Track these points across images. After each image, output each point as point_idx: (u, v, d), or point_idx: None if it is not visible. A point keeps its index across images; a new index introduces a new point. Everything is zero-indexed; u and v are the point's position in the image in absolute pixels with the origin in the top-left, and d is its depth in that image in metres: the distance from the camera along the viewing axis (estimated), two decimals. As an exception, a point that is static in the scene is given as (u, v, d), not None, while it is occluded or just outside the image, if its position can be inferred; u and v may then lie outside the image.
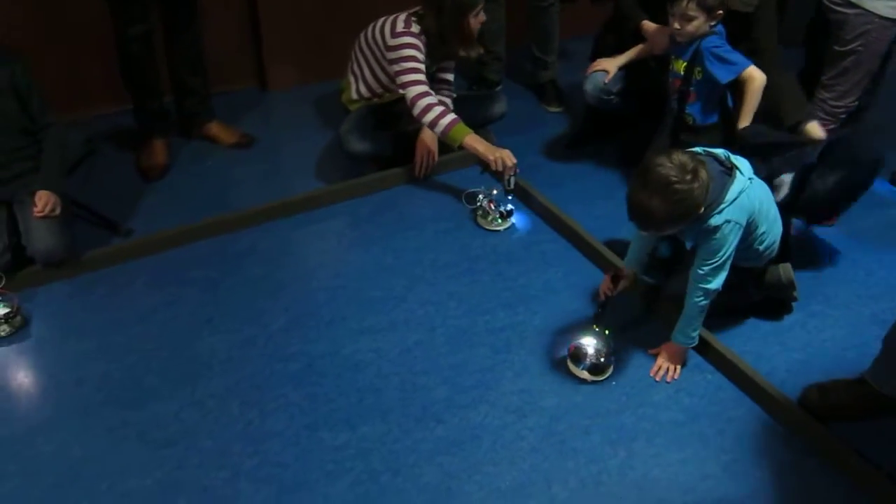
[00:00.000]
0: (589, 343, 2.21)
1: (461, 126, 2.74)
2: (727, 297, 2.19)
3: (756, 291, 2.37)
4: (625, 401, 2.17)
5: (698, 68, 2.58)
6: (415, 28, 2.76)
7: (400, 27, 2.76)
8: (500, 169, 2.75)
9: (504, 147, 2.80)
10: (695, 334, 2.21)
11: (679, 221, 1.97)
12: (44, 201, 2.38)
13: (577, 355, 2.22)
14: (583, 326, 2.28)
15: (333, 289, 2.55)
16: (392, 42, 2.76)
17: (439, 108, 2.73)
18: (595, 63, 2.93)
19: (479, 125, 3.16)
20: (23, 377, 2.23)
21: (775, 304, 2.46)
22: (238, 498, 1.90)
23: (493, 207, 2.83)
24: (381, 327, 2.39)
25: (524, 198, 2.93)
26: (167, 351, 2.29)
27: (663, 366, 2.23)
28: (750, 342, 2.35)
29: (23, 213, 2.43)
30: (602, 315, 2.26)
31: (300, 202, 2.88)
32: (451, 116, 2.74)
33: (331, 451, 2.01)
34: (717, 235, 2.03)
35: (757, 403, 2.17)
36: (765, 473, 1.99)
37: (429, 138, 2.91)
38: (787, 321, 2.45)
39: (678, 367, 2.23)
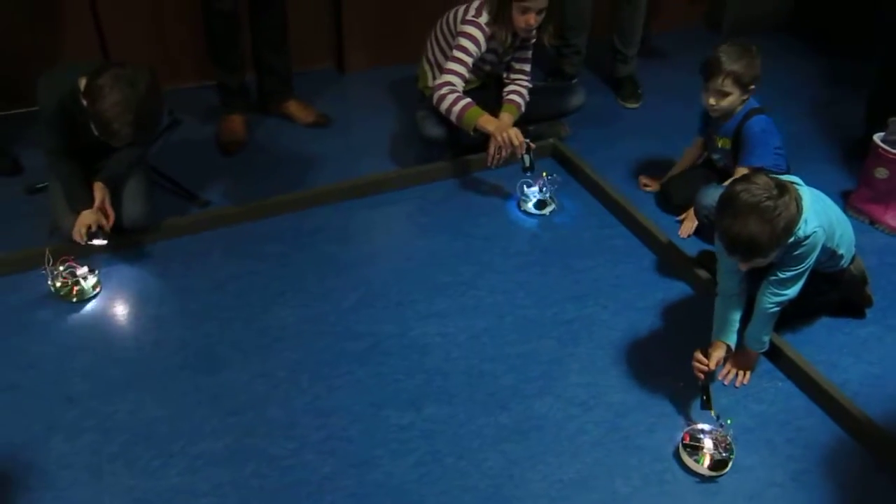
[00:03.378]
0: (704, 433, 1.98)
1: (475, 109, 2.72)
2: (802, 300, 2.14)
3: (832, 293, 2.31)
4: (692, 401, 2.15)
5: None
6: (484, 17, 2.75)
7: (470, 14, 2.76)
8: (507, 147, 2.72)
9: (580, 140, 2.77)
10: (766, 339, 2.17)
11: (783, 240, 1.90)
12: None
13: (695, 447, 1.96)
14: (690, 407, 2.13)
15: (403, 271, 2.57)
16: (459, 28, 2.76)
17: (454, 96, 2.73)
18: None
19: (554, 117, 3.16)
20: (103, 338, 2.30)
21: (850, 306, 2.40)
22: (304, 468, 1.94)
23: (533, 191, 2.85)
24: (449, 312, 2.40)
25: (596, 192, 2.91)
26: (240, 321, 2.34)
27: (733, 370, 2.20)
28: (824, 352, 2.30)
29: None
30: (708, 398, 2.04)
31: (373, 183, 2.91)
32: (466, 100, 2.73)
33: (396, 429, 2.04)
34: (806, 243, 1.99)
35: (828, 414, 2.12)
36: (833, 486, 1.95)
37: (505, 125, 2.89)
38: (863, 333, 2.39)
39: (748, 372, 2.20)
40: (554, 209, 2.85)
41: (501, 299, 2.46)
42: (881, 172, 2.76)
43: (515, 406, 2.11)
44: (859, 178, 2.88)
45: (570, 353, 2.28)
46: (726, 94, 2.55)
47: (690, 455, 1.93)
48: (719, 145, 2.73)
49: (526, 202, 2.86)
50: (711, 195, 2.28)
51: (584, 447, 2.01)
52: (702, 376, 2.05)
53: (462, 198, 2.92)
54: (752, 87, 2.56)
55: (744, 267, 2.02)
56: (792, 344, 2.27)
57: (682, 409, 2.12)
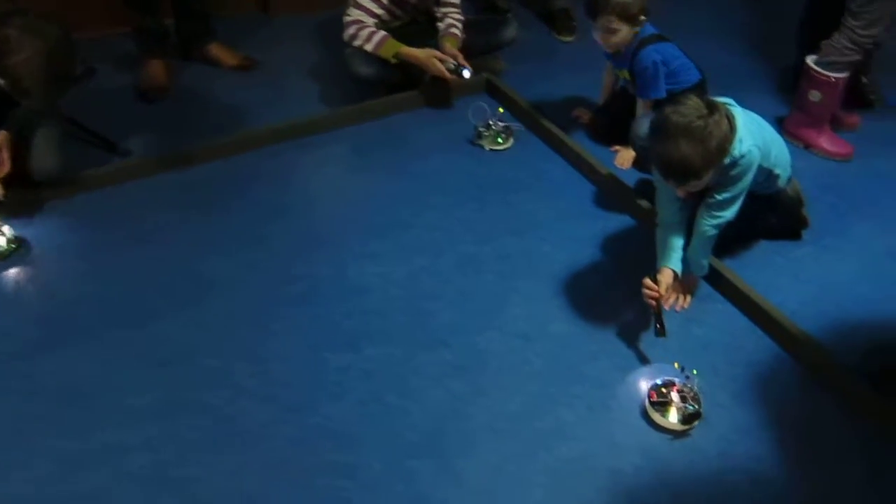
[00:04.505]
0: (670, 388, 1.90)
1: (392, 41, 2.72)
2: (742, 223, 2.13)
3: (770, 215, 2.31)
4: (634, 327, 2.13)
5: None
6: None
7: None
8: (442, 67, 2.72)
9: (515, 75, 2.71)
10: (706, 262, 2.16)
11: (716, 159, 1.88)
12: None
13: (662, 403, 1.88)
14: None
15: (338, 213, 2.50)
16: None
17: (366, 31, 2.71)
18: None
19: (487, 51, 3.08)
20: (22, 295, 2.19)
21: (787, 228, 2.42)
22: (241, 416, 1.87)
23: (494, 126, 2.78)
24: (386, 252, 2.34)
25: (532, 126, 2.85)
26: (169, 272, 2.25)
27: (674, 295, 2.18)
28: (762, 274, 2.30)
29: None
30: (661, 325, 1.99)
31: (304, 126, 2.81)
32: (381, 34, 2.72)
33: (335, 371, 1.98)
34: (742, 163, 1.97)
35: (767, 334, 2.13)
36: (774, 403, 1.96)
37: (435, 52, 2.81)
38: (800, 253, 2.41)
39: (689, 296, 2.18)
40: (511, 145, 2.78)
41: (440, 236, 2.40)
42: (815, 96, 2.75)
43: (456, 342, 2.07)
44: (793, 104, 2.87)
45: (511, 287, 2.24)
46: (615, 31, 2.48)
47: (658, 412, 1.87)
48: (620, 77, 2.70)
49: (484, 138, 2.79)
50: (645, 124, 2.24)
51: (527, 378, 1.99)
52: (653, 303, 2.01)
53: (397, 137, 2.84)
54: (642, 17, 2.48)
55: (681, 192, 1.99)
56: (731, 267, 2.27)
57: (625, 335, 2.11)
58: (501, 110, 2.81)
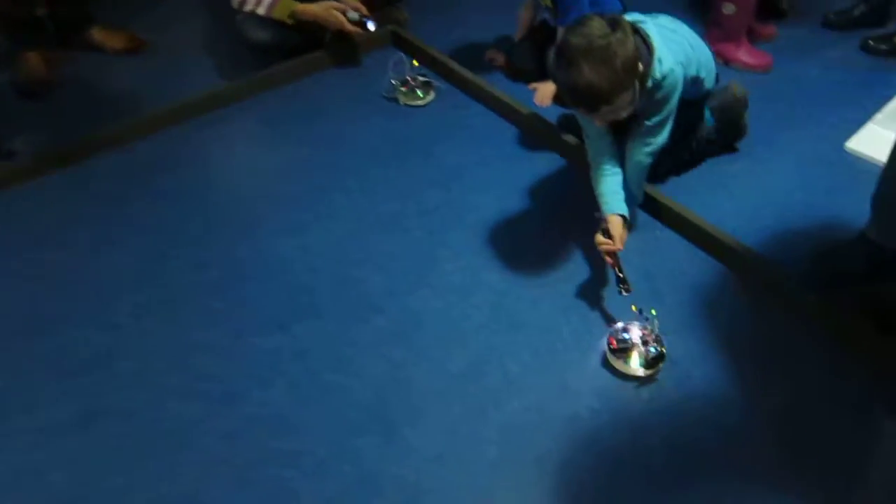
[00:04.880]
0: (630, 331, 1.80)
1: (286, 0, 2.56)
2: (677, 143, 2.06)
3: (705, 127, 2.22)
4: (573, 267, 2.04)
5: None
6: None
7: None
8: (344, 20, 2.58)
9: (420, 26, 2.56)
10: (641, 192, 2.07)
11: (626, 81, 1.75)
12: None
13: (623, 350, 1.77)
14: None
15: (248, 189, 2.34)
16: None
17: None
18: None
19: (388, 2, 2.94)
20: None
21: (724, 138, 2.35)
22: (167, 417, 1.73)
23: (413, 81, 2.64)
24: (304, 223, 2.19)
25: (448, 76, 2.72)
26: (70, 273, 2.07)
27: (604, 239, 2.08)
28: (696, 194, 2.22)
29: None
30: (624, 279, 1.85)
31: (202, 102, 2.62)
32: None
33: (264, 355, 1.84)
34: (666, 84, 1.88)
35: (709, 253, 2.06)
36: (726, 324, 1.89)
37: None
38: (732, 169, 2.33)
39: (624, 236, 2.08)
40: (432, 99, 2.64)
41: (359, 199, 2.27)
42: (728, 8, 2.68)
43: (390, 306, 1.94)
44: (708, 20, 2.80)
45: (440, 242, 2.12)
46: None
47: (620, 359, 1.76)
48: (543, 4, 2.57)
49: (402, 94, 2.64)
50: None
51: (468, 333, 1.88)
52: (610, 259, 1.88)
53: (304, 102, 2.68)
54: None
55: (599, 121, 1.87)
56: (664, 191, 2.18)
57: (565, 276, 2.01)
58: (416, 63, 2.65)
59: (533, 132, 2.49)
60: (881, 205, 1.91)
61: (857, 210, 2.03)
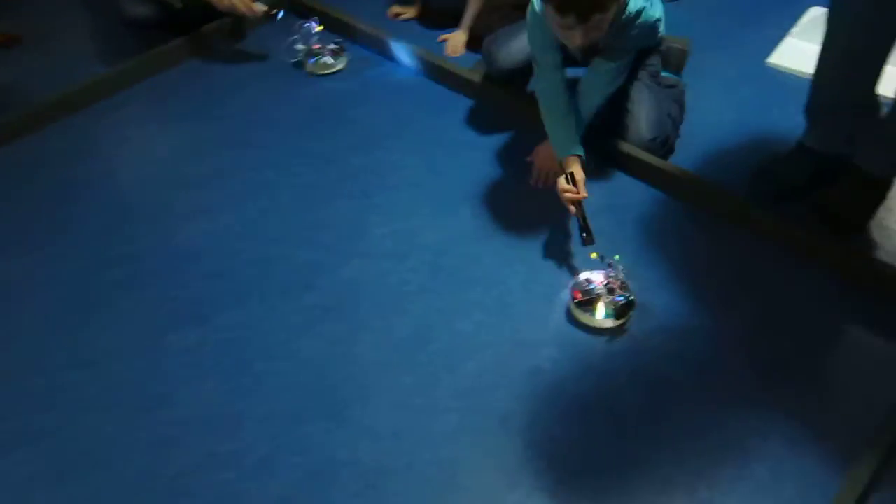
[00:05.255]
0: (595, 280, 1.66)
1: None
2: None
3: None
4: (511, 217, 1.90)
5: None
6: None
7: None
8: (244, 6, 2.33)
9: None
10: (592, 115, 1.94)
11: None
12: None
13: (589, 302, 1.64)
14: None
15: (150, 175, 2.13)
16: None
17: None
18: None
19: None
20: None
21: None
22: (81, 435, 1.52)
23: (321, 49, 2.44)
24: (214, 205, 2.00)
25: (351, 33, 2.54)
26: (-47, 292, 1.83)
27: (542, 172, 1.96)
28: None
29: None
30: (588, 230, 1.71)
31: (89, 90, 2.38)
32: None
33: (184, 353, 1.65)
34: (638, 23, 1.79)
35: (652, 185, 1.96)
36: (677, 254, 1.79)
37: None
38: (661, 99, 2.23)
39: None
40: (345, 66, 2.45)
41: (273, 174, 2.08)
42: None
43: (320, 281, 1.78)
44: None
45: (367, 206, 1.96)
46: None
47: (587, 312, 1.62)
48: None
49: (312, 62, 2.43)
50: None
51: (409, 298, 1.73)
52: (573, 208, 1.73)
53: (201, 79, 2.46)
54: None
55: (580, 39, 1.64)
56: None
57: (505, 226, 1.88)
58: (321, 27, 2.45)
59: (450, 82, 2.34)
60: (815, 112, 1.86)
61: (789, 122, 1.99)
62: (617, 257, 1.64)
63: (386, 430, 1.48)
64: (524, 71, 2.04)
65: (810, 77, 1.85)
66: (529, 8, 1.77)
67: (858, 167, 1.82)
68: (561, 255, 1.79)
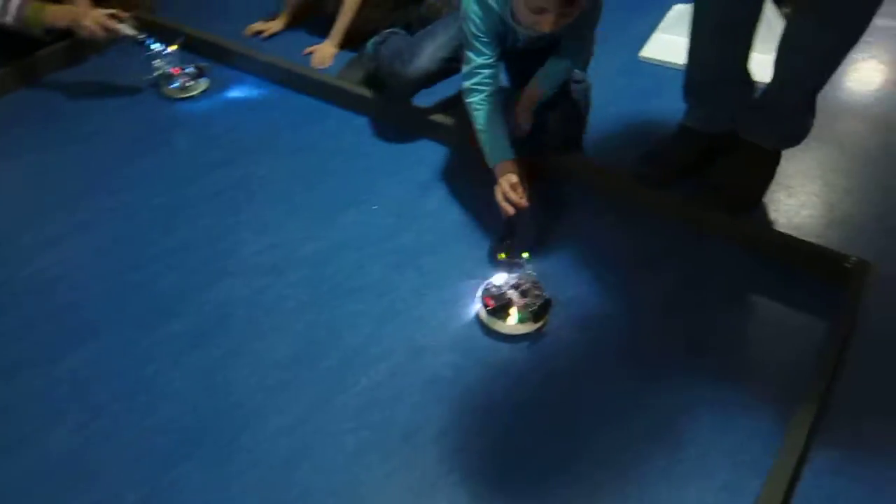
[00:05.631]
0: (507, 284, 1.52)
1: (37, 3, 2.07)
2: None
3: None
4: (390, 221, 1.77)
5: None
6: None
7: None
8: (102, 30, 2.09)
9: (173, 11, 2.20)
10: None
11: None
12: None
13: (502, 308, 1.50)
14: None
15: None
16: None
17: None
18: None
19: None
20: None
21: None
22: None
23: (180, 72, 2.24)
24: (64, 234, 1.77)
25: (214, 53, 2.36)
26: None
27: (521, 115, 1.81)
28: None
29: None
30: (511, 240, 1.56)
31: None
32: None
33: (33, 398, 1.42)
34: (597, 8, 1.73)
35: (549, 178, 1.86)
36: (572, 240, 1.71)
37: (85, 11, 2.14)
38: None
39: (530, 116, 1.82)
40: (207, 86, 2.25)
41: (128, 197, 1.88)
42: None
43: (186, 307, 1.58)
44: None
45: (235, 224, 1.79)
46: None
47: (500, 319, 1.49)
48: None
49: (169, 85, 2.22)
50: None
51: (291, 315, 1.56)
52: (512, 210, 1.58)
53: (42, 107, 2.22)
54: None
55: (549, 25, 1.53)
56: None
57: (386, 232, 1.75)
58: (175, 46, 2.24)
59: (318, 92, 2.20)
60: (693, 92, 1.85)
61: (668, 108, 1.97)
62: (526, 255, 1.52)
63: (275, 460, 1.30)
64: (431, 79, 1.93)
65: (681, 67, 1.84)
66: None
67: (747, 142, 1.80)
68: (455, 257, 1.68)
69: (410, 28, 2.38)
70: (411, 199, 1.84)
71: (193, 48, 2.34)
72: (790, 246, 1.62)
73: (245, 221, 1.79)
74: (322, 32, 2.41)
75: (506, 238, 1.58)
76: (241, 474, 1.28)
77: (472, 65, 1.68)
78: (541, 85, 1.79)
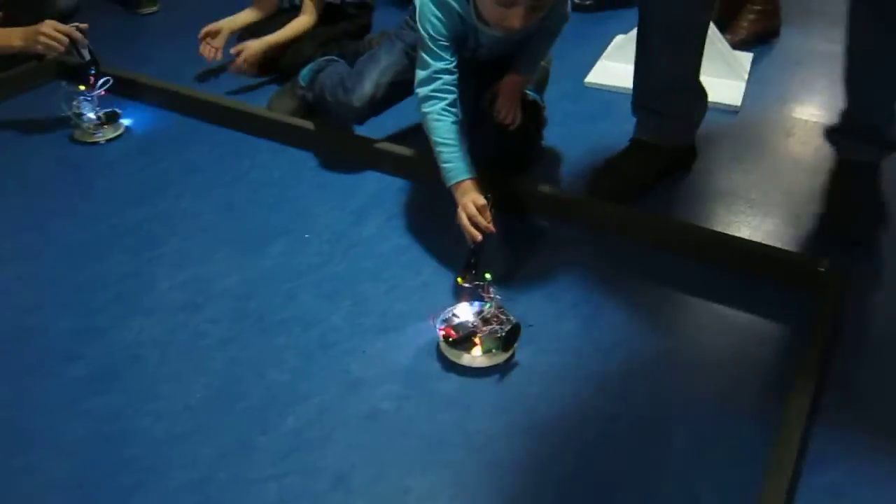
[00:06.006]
0: (469, 313, 1.36)
1: None
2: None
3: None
4: (328, 248, 1.61)
5: None
6: None
7: None
8: (56, 43, 1.92)
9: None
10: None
11: None
12: None
13: (465, 338, 1.33)
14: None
15: None
16: None
17: None
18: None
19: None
20: None
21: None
22: None
23: (87, 114, 2.02)
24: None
25: (137, 92, 2.20)
26: None
27: (505, 105, 1.68)
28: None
29: None
30: (476, 265, 1.42)
31: None
32: None
33: None
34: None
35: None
36: (540, 267, 1.55)
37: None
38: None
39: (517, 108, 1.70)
40: (122, 132, 2.07)
41: (30, 236, 1.69)
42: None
43: (88, 349, 1.38)
44: None
45: (149, 259, 1.61)
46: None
47: (467, 350, 1.32)
48: None
49: (90, 128, 2.02)
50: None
51: (208, 353, 1.37)
52: (479, 236, 1.43)
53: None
54: None
55: (518, 21, 1.42)
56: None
57: (317, 262, 1.59)
58: (83, 88, 2.05)
59: (244, 126, 2.06)
60: (643, 106, 1.76)
61: (616, 130, 1.86)
62: (488, 276, 1.35)
63: (183, 519, 1.10)
64: (377, 107, 1.80)
65: (627, 91, 1.78)
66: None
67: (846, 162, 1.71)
68: (395, 283, 1.51)
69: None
70: (346, 226, 1.68)
71: (115, 87, 2.18)
72: (768, 256, 1.50)
73: (162, 256, 1.61)
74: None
75: (470, 265, 1.42)
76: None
77: (430, 70, 1.53)
78: (522, 70, 1.67)
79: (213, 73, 2.34)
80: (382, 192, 1.80)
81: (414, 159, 1.81)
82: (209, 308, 1.47)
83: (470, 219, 1.44)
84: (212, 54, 2.27)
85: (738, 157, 1.92)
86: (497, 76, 1.69)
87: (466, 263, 1.43)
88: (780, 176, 1.86)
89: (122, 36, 2.66)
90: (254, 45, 2.20)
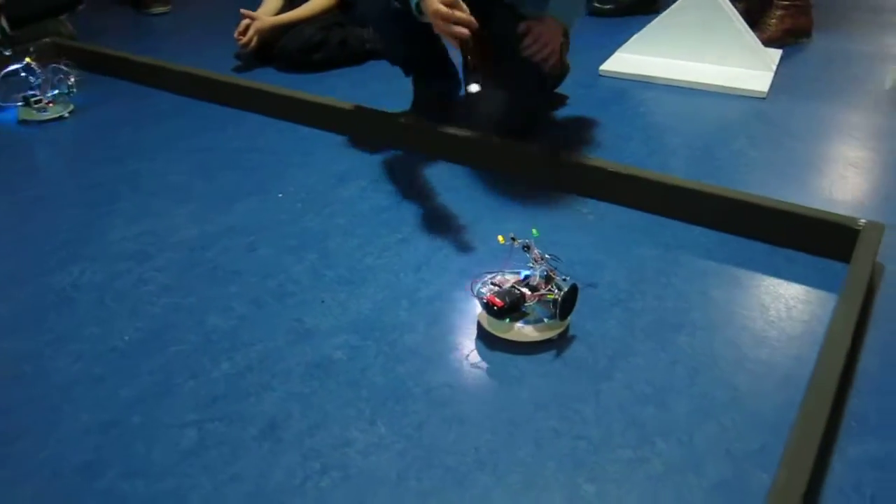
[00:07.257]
0: (515, 282, 1.13)
1: None
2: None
3: None
4: (302, 208, 1.46)
5: None
6: None
7: None
8: None
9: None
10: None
11: None
12: None
13: (513, 307, 1.09)
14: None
15: None
16: None
17: None
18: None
19: (46, 15, 2.35)
20: None
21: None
22: None
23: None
24: None
25: (123, 69, 2.12)
26: None
27: (540, 41, 1.52)
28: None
29: None
30: (477, 66, 1.30)
31: None
32: None
33: None
34: None
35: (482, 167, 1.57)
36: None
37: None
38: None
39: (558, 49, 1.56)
40: (72, 109, 1.95)
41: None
42: None
43: (17, 291, 1.23)
44: None
45: (107, 212, 1.48)
46: None
47: (516, 320, 1.09)
48: None
49: (37, 109, 1.91)
50: None
51: (145, 299, 1.22)
52: (465, 31, 1.27)
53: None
54: None
55: None
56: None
57: (295, 217, 1.43)
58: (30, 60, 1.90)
59: (217, 95, 1.94)
60: None
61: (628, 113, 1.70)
62: (535, 232, 1.14)
63: (79, 461, 0.92)
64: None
65: (641, 79, 1.84)
66: None
67: None
68: (368, 237, 1.35)
69: (345, 45, 2.17)
70: (326, 188, 1.53)
71: (101, 64, 2.09)
72: (793, 214, 1.31)
73: (120, 210, 1.47)
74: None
75: (471, 70, 1.30)
76: (18, 484, 0.90)
77: None
78: (558, 14, 1.53)
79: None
80: (370, 158, 1.65)
81: (408, 127, 1.66)
82: (159, 258, 1.31)
83: (445, 19, 1.27)
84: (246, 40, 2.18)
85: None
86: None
87: (466, 67, 1.32)
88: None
89: (130, 35, 2.59)
90: (266, 19, 2.12)
